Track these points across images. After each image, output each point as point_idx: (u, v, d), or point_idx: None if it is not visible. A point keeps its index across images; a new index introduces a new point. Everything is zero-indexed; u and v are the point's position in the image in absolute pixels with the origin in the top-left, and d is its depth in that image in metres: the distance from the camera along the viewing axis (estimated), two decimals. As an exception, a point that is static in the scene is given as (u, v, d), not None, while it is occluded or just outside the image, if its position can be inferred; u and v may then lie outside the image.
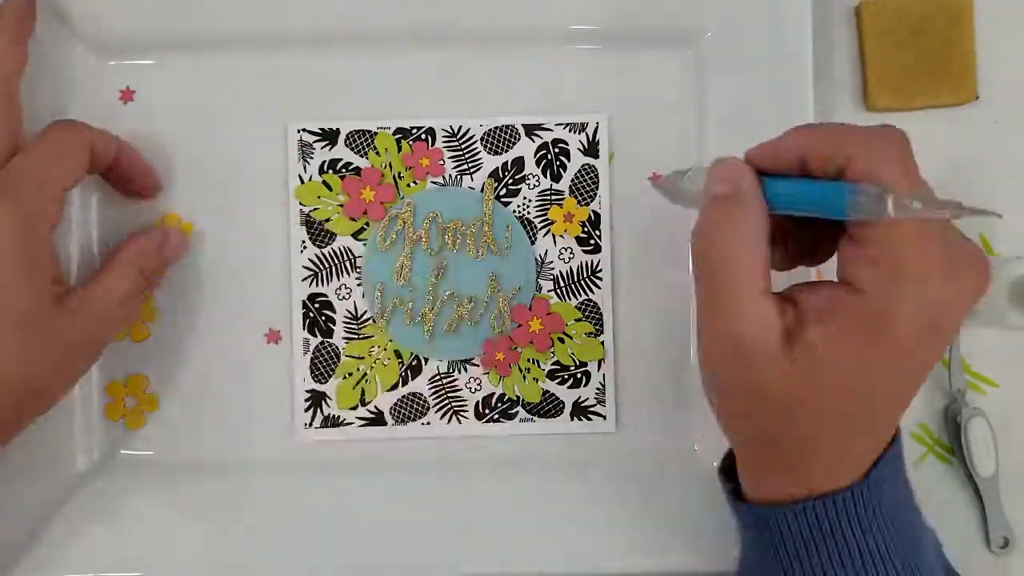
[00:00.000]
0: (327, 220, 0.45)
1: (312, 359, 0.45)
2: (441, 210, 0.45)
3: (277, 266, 0.45)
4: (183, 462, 0.45)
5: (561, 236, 0.45)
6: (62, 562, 0.42)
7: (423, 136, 0.45)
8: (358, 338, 0.45)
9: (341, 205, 0.45)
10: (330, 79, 0.45)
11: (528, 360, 0.45)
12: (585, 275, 0.45)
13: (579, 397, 0.45)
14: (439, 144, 0.45)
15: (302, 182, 0.45)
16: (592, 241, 0.45)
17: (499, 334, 0.45)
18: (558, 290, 0.45)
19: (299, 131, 0.45)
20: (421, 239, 0.45)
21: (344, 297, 0.45)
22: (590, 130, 0.45)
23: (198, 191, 0.45)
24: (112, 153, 0.41)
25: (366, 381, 0.45)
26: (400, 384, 0.45)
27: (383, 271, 0.45)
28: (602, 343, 0.45)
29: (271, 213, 0.45)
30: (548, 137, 0.45)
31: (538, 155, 0.45)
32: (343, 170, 0.45)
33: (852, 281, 0.31)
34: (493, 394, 0.45)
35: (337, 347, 0.45)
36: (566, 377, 0.45)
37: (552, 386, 0.45)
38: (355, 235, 0.45)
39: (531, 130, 0.45)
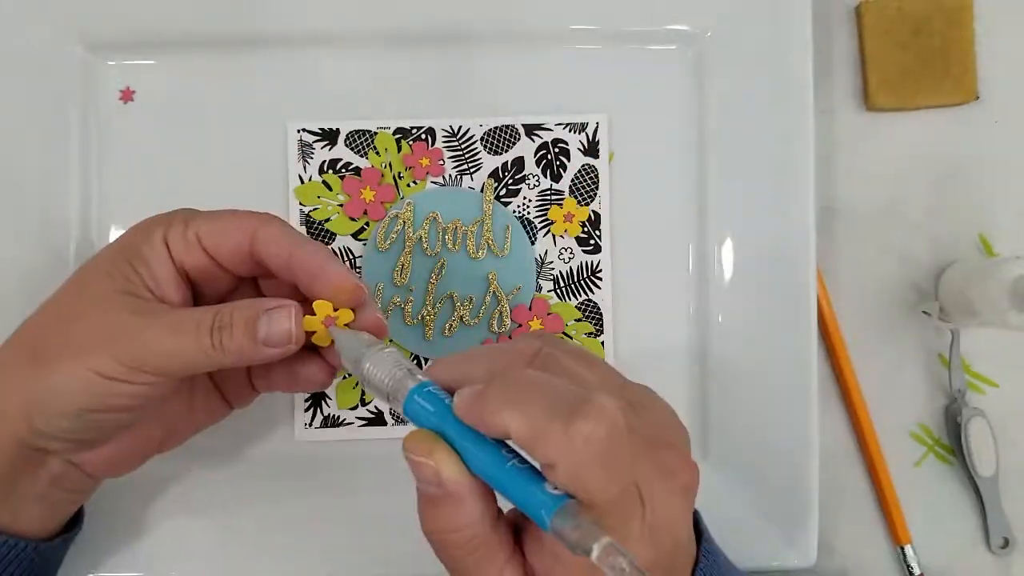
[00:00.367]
0: (327, 220, 0.45)
1: (312, 359, 0.45)
2: (441, 210, 0.45)
3: (277, 266, 0.45)
4: (182, 462, 0.44)
5: (561, 236, 0.45)
6: (62, 563, 0.42)
7: (423, 136, 0.45)
8: (358, 338, 0.45)
9: (341, 205, 0.45)
10: (330, 79, 0.45)
11: (528, 360, 0.45)
12: (585, 275, 0.45)
13: (579, 397, 0.45)
14: (439, 144, 0.45)
15: (302, 182, 0.45)
16: (592, 241, 0.45)
17: (499, 334, 0.45)
18: (558, 290, 0.45)
19: (299, 131, 0.45)
20: (421, 239, 0.45)
21: (344, 297, 0.45)
22: (590, 130, 0.45)
23: (198, 191, 0.45)
24: (283, 253, 0.35)
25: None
26: (400, 384, 0.45)
27: (383, 271, 0.45)
28: (602, 343, 0.45)
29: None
30: (548, 137, 0.45)
31: (538, 155, 0.45)
32: (343, 170, 0.45)
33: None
34: (493, 394, 0.45)
35: (337, 347, 0.45)
36: (566, 377, 0.45)
37: (552, 386, 0.45)
38: (355, 235, 0.45)
39: (531, 130, 0.45)
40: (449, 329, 0.44)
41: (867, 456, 0.47)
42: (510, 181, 0.45)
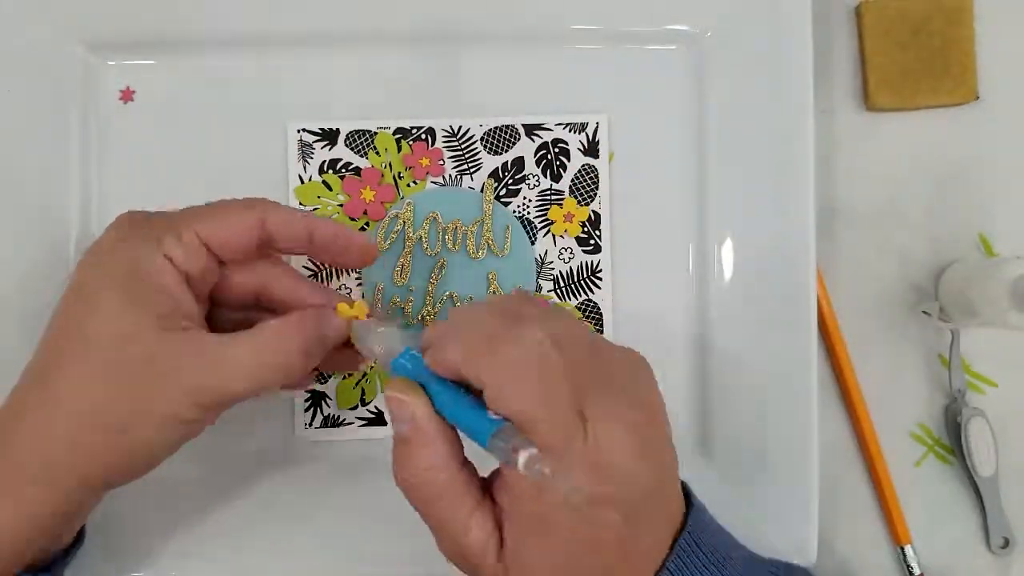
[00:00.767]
0: (327, 220, 0.45)
1: (312, 359, 0.45)
2: (441, 210, 0.45)
3: (277, 266, 0.45)
4: (182, 461, 0.44)
5: (561, 236, 0.45)
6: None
7: (423, 136, 0.45)
8: (358, 338, 0.45)
9: (341, 205, 0.45)
10: (330, 79, 0.45)
11: (528, 360, 0.45)
12: (585, 275, 0.45)
13: (579, 397, 0.45)
14: (439, 144, 0.45)
15: (302, 182, 0.45)
16: (592, 241, 0.45)
17: (499, 334, 0.45)
18: (558, 290, 0.45)
19: (299, 131, 0.45)
20: (421, 239, 0.45)
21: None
22: (590, 130, 0.45)
23: (198, 191, 0.45)
24: (302, 227, 0.36)
25: (366, 381, 0.45)
26: (400, 384, 0.45)
27: (383, 271, 0.45)
28: (602, 343, 0.45)
29: (271, 213, 0.45)
30: (548, 137, 0.45)
31: (538, 155, 0.45)
32: (343, 170, 0.45)
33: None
34: (493, 394, 0.45)
35: (337, 347, 0.45)
36: (566, 377, 0.45)
37: (552, 386, 0.45)
38: (355, 235, 0.45)
39: (531, 130, 0.45)
40: (449, 329, 0.44)
41: (867, 456, 0.47)
42: (510, 181, 0.45)
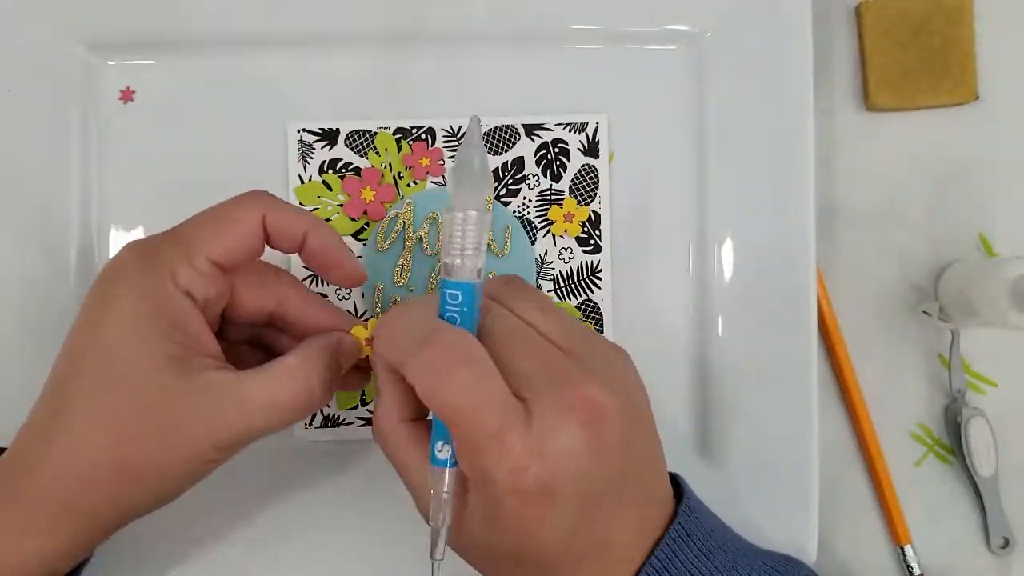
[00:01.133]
0: (327, 220, 0.45)
1: (312, 359, 0.45)
2: (441, 210, 0.45)
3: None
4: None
5: (561, 236, 0.45)
6: None
7: (423, 136, 0.45)
8: (358, 338, 0.45)
9: (341, 205, 0.45)
10: (330, 79, 0.45)
11: (528, 360, 0.45)
12: (585, 275, 0.45)
13: (579, 397, 0.45)
14: (439, 144, 0.45)
15: (302, 182, 0.45)
16: (592, 241, 0.45)
17: (499, 334, 0.45)
18: (558, 290, 0.45)
19: (299, 131, 0.45)
20: (421, 239, 0.45)
21: (344, 297, 0.45)
22: (590, 130, 0.45)
23: (198, 191, 0.45)
24: (299, 232, 0.35)
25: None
26: (400, 384, 0.45)
27: (383, 271, 0.45)
28: (602, 343, 0.45)
29: (271, 213, 0.45)
30: (548, 137, 0.45)
31: (538, 155, 0.45)
32: (343, 170, 0.45)
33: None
34: (493, 394, 0.45)
35: (337, 347, 0.45)
36: (566, 377, 0.45)
37: (552, 386, 0.45)
38: (355, 235, 0.45)
39: (531, 130, 0.45)
40: (449, 329, 0.44)
41: (867, 456, 0.47)
42: (510, 181, 0.45)
